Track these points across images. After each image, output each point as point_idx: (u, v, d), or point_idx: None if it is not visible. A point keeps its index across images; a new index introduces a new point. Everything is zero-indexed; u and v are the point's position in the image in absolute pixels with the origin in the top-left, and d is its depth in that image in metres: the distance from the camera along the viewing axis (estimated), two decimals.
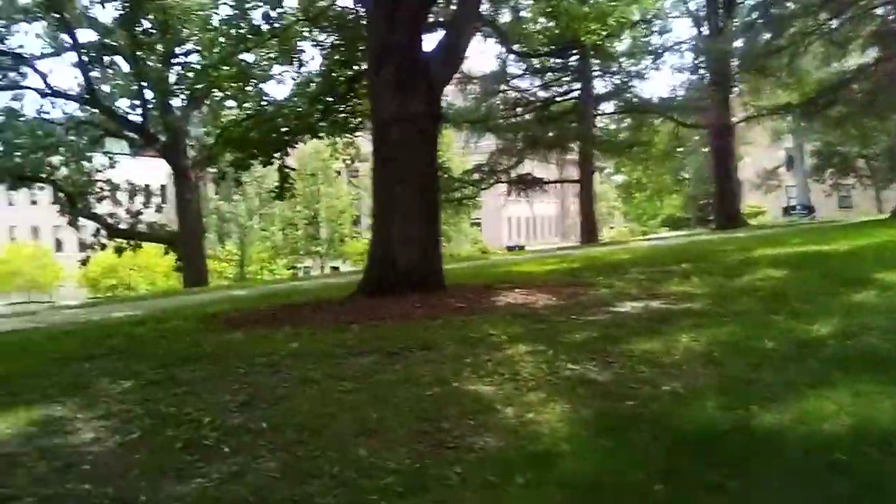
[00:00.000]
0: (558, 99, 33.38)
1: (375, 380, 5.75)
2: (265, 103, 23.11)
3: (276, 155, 22.52)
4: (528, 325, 7.43)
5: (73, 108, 27.03)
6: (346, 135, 22.02)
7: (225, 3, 23.76)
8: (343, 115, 19.10)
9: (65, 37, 25.22)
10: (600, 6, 26.56)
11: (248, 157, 22.41)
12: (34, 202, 52.80)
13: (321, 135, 22.06)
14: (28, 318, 12.82)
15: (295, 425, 4.79)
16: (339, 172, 45.56)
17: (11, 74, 25.36)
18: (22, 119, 25.32)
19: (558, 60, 32.28)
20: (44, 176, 26.04)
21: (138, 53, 23.33)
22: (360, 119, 20.00)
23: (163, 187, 55.46)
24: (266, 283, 24.48)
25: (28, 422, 5.29)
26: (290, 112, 20.80)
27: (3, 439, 4.97)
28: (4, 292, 57.38)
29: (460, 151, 36.76)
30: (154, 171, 52.04)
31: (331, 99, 17.54)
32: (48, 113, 26.58)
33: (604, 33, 27.98)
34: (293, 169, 24.97)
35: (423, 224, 9.96)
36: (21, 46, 26.20)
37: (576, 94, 32.25)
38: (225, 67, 21.72)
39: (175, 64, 25.42)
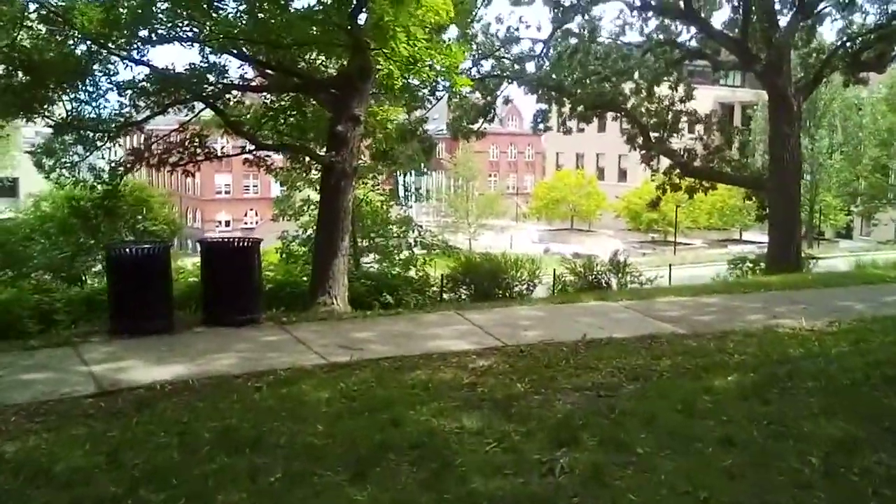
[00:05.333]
0: None
1: None
2: None
3: None
4: None
5: (651, 27, 23.84)
6: None
7: None
8: None
9: None
10: None
11: None
12: (581, 130, 52.97)
13: None
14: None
15: None
16: None
17: None
18: (600, 41, 23.22)
19: None
20: (618, 105, 23.58)
21: None
22: None
23: (707, 117, 50.99)
24: None
25: None
26: None
27: None
28: (547, 219, 59.64)
29: None
30: (699, 101, 47.73)
31: None
32: (624, 34, 23.95)
33: None
34: None
35: None
36: None
37: None
38: None
39: None
